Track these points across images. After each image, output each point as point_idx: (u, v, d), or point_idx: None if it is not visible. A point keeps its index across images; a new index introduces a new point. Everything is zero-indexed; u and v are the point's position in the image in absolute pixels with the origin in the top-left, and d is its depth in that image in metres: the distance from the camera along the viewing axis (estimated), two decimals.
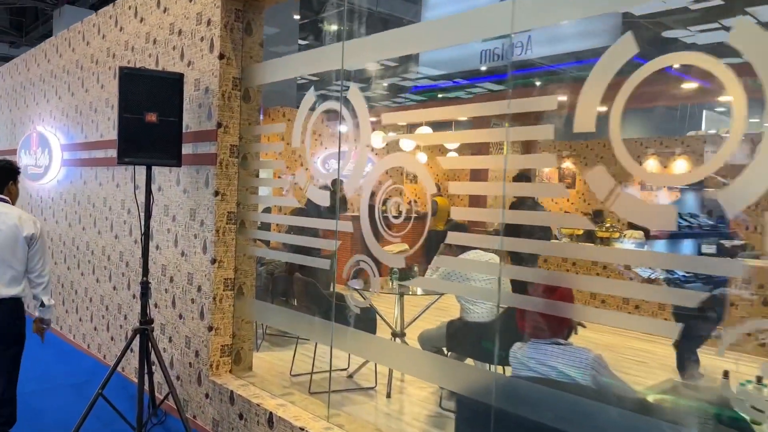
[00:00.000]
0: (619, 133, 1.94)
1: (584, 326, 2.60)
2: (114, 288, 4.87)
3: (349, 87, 2.93)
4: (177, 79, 3.51)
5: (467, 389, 2.46)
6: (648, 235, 10.27)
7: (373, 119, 2.95)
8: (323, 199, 3.12)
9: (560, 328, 2.58)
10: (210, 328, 3.67)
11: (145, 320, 3.60)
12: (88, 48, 5.38)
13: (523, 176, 5.52)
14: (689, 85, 6.61)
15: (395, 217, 2.66)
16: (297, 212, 4.98)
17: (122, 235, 4.74)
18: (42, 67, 6.56)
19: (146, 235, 3.59)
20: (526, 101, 2.19)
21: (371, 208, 2.78)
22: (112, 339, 4.92)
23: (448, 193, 11.57)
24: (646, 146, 13.22)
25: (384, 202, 2.75)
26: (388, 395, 4.36)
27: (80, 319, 5.51)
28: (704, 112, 15.49)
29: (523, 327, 2.65)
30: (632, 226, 10.28)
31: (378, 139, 8.12)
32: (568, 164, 14.15)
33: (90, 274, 5.30)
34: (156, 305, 4.22)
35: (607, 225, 7.62)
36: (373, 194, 2.83)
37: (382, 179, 2.89)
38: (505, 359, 4.02)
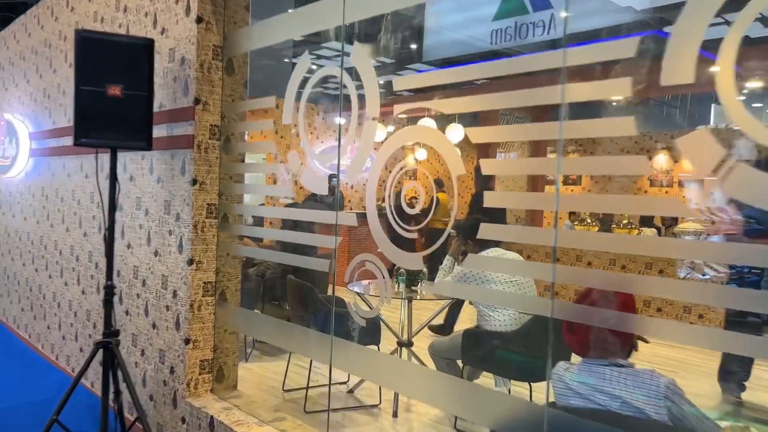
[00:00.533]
0: (733, 85, 1.40)
1: (647, 341, 2.06)
2: (83, 292, 4.31)
3: (352, 50, 2.38)
4: (145, 45, 2.95)
5: (506, 425, 1.92)
6: (660, 233, 9.75)
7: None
8: (320, 187, 2.57)
9: (621, 346, 2.04)
10: (187, 341, 3.11)
11: (110, 332, 3.05)
12: (56, 24, 4.82)
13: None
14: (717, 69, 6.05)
15: (411, 207, 2.11)
16: (290, 205, 4.42)
17: (91, 232, 4.18)
18: (12, 50, 5.99)
19: (111, 231, 3.03)
20: (590, 49, 1.65)
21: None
22: (81, 350, 4.36)
23: (448, 184, 11.04)
24: (656, 140, 12.71)
25: (397, 191, 2.21)
26: (395, 414, 3.81)
27: (48, 327, 4.94)
28: (712, 106, 15.04)
29: (573, 343, 2.11)
30: (644, 223, 9.76)
31: (379, 133, 7.57)
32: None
33: (58, 276, 4.73)
34: (127, 312, 3.67)
35: (624, 221, 7.09)
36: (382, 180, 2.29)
37: (392, 162, 2.34)
38: (528, 373, 3.48)
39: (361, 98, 2.34)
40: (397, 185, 2.17)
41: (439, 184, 10.30)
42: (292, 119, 2.70)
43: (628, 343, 2.04)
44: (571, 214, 11.50)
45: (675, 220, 10.18)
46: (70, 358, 4.55)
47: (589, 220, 7.50)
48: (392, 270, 3.76)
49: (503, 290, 3.40)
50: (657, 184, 12.65)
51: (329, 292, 4.21)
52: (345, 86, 2.40)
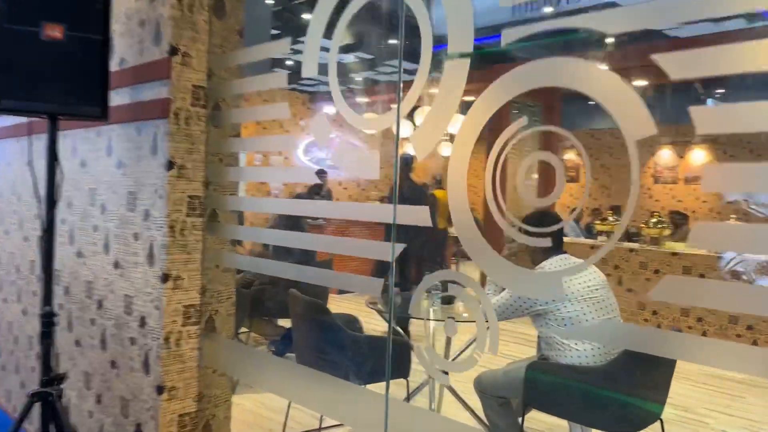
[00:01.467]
0: None
1: None
2: (24, 313, 3.37)
3: None
4: None
5: None
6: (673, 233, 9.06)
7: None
8: (367, 168, 1.69)
9: None
10: (160, 389, 2.22)
11: (49, 379, 2.15)
12: None
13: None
14: None
15: (540, 198, 1.27)
16: (302, 195, 3.51)
17: (34, 235, 3.25)
18: None
19: (49, 236, 2.14)
20: None
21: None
22: (22, 385, 3.42)
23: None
24: (660, 134, 12.04)
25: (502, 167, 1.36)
26: None
27: None
28: (708, 101, 14.59)
29: None
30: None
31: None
32: (571, 156, 12.94)
33: None
34: (78, 343, 2.75)
35: (654, 220, 6.34)
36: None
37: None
38: (623, 422, 2.60)
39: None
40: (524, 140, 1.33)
41: (437, 180, 9.50)
42: (316, 68, 1.83)
43: None
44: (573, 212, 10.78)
45: (685, 219, 9.52)
46: (11, 394, 3.60)
47: (611, 219, 6.74)
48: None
49: (581, 312, 2.58)
50: (661, 182, 12.01)
51: (385, 324, 3.33)
52: (408, 8, 1.54)
